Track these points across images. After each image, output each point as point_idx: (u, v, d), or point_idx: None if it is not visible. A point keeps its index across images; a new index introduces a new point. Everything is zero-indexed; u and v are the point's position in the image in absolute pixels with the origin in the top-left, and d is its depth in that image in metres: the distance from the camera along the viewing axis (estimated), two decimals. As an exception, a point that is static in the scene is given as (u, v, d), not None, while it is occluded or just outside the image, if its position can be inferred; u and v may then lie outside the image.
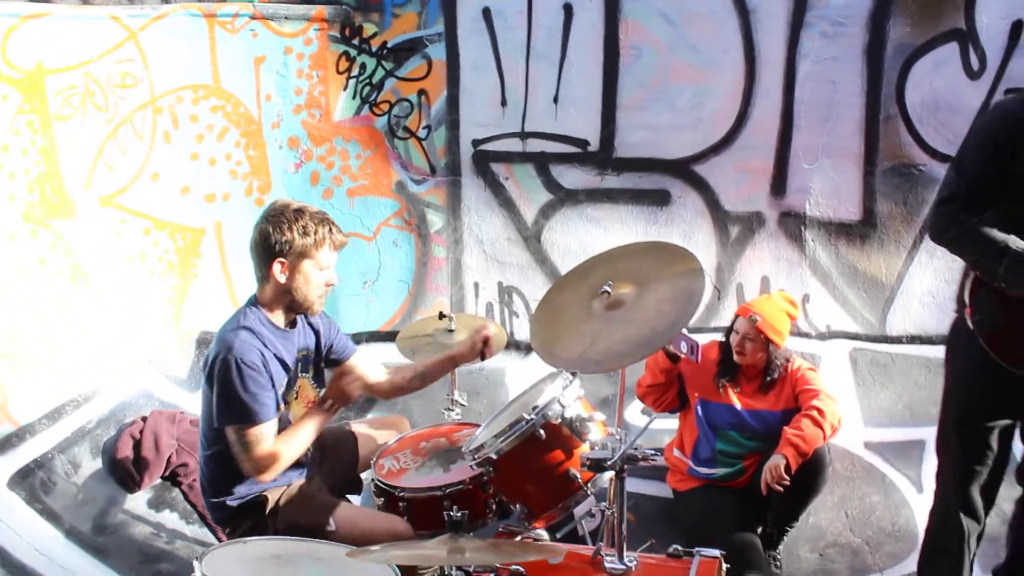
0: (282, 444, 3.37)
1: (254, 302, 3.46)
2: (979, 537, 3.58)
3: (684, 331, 3.60)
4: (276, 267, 3.36)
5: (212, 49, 5.28)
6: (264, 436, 3.31)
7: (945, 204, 3.32)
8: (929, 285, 5.21)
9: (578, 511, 3.96)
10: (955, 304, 3.50)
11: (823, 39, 5.14)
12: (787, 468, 3.95)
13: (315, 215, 3.40)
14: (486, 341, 3.79)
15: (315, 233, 3.37)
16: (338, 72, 5.44)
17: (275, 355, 3.41)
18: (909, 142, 5.18)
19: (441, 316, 4.46)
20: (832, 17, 5.12)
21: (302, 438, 3.44)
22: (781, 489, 3.96)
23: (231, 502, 3.46)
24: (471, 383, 5.27)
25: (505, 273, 5.51)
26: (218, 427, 3.35)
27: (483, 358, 3.83)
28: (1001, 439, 3.44)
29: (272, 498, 3.50)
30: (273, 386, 3.39)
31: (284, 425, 3.45)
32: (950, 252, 3.43)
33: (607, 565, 2.92)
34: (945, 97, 5.05)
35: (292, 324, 3.54)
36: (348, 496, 3.93)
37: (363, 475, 4.06)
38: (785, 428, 4.09)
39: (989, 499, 3.54)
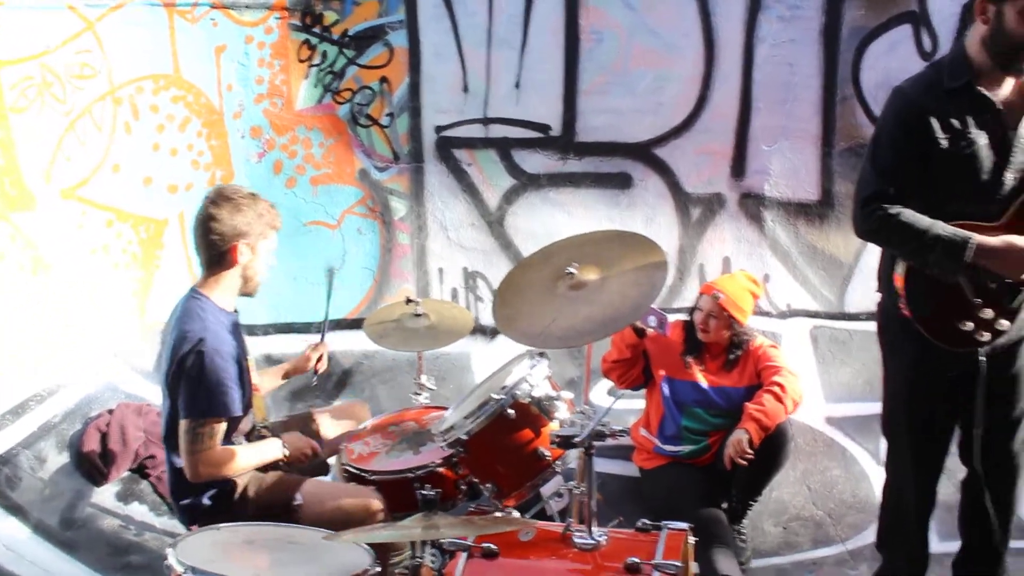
0: (238, 450, 3.40)
1: (197, 293, 3.47)
2: (932, 506, 3.67)
3: (653, 305, 3.66)
4: (241, 248, 3.39)
5: (172, 39, 5.24)
6: (219, 432, 3.34)
7: (869, 202, 3.30)
8: (887, 263, 5.30)
9: (546, 491, 4.03)
10: (878, 286, 3.56)
11: (780, 23, 5.22)
12: (750, 442, 4.03)
13: (263, 199, 3.51)
14: (320, 359, 4.15)
15: (269, 214, 3.48)
16: (299, 61, 5.42)
17: (239, 339, 3.47)
18: (865, 123, 5.26)
19: (408, 301, 4.48)
20: (789, 1, 5.19)
21: (254, 459, 3.47)
22: (744, 463, 4.04)
23: (206, 500, 3.46)
24: (437, 368, 5.30)
25: (469, 258, 5.53)
26: (182, 418, 3.36)
27: (316, 372, 4.17)
28: (945, 416, 3.50)
29: (240, 483, 3.51)
30: (242, 381, 3.42)
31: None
32: (878, 246, 3.49)
33: (577, 540, 2.96)
34: (899, 78, 4.93)
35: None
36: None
37: (329, 460, 4.09)
38: (747, 404, 4.16)
39: (937, 471, 3.60)
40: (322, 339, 4.29)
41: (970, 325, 3.21)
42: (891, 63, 5.19)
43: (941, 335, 3.28)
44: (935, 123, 3.18)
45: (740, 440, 4.04)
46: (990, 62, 3.12)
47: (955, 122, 3.17)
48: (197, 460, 3.31)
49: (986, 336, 3.22)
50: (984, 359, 3.25)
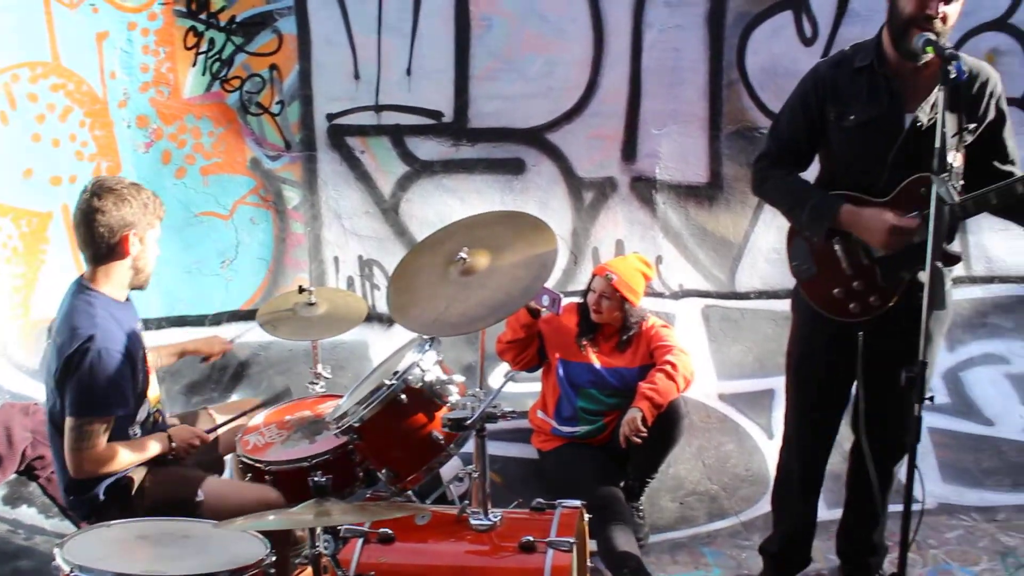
0: (121, 448, 3.34)
1: (86, 287, 3.39)
2: (820, 476, 3.80)
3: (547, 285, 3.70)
4: (132, 239, 3.33)
5: (49, 24, 5.07)
6: (106, 431, 3.28)
7: (760, 160, 3.53)
8: (774, 242, 5.47)
9: (446, 475, 4.05)
10: None
11: (667, 8, 5.32)
12: (643, 421, 4.10)
13: (146, 188, 3.46)
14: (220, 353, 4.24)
15: (153, 204, 3.44)
16: (186, 48, 5.31)
17: (133, 332, 3.40)
18: (751, 106, 5.43)
19: (301, 290, 4.44)
20: (676, -13, 5.31)
21: (137, 455, 3.40)
22: (639, 441, 4.11)
23: (99, 493, 3.39)
24: (335, 356, 5.28)
25: (364, 246, 5.51)
26: (67, 416, 3.28)
27: (206, 359, 4.25)
28: (832, 384, 3.61)
29: (137, 479, 3.45)
30: (134, 374, 3.36)
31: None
32: (768, 205, 3.62)
33: (472, 522, 2.99)
34: (782, 63, 5.31)
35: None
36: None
37: (226, 457, 4.05)
38: (640, 383, 4.24)
39: (827, 441, 3.73)
40: (232, 341, 4.33)
41: (841, 293, 3.35)
42: (774, 48, 5.36)
43: (818, 298, 3.43)
44: (830, 96, 3.33)
45: (634, 419, 4.11)
46: (891, 43, 3.23)
47: (849, 98, 3.30)
48: (82, 458, 3.26)
49: (856, 308, 3.34)
50: (861, 333, 3.34)
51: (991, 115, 3.29)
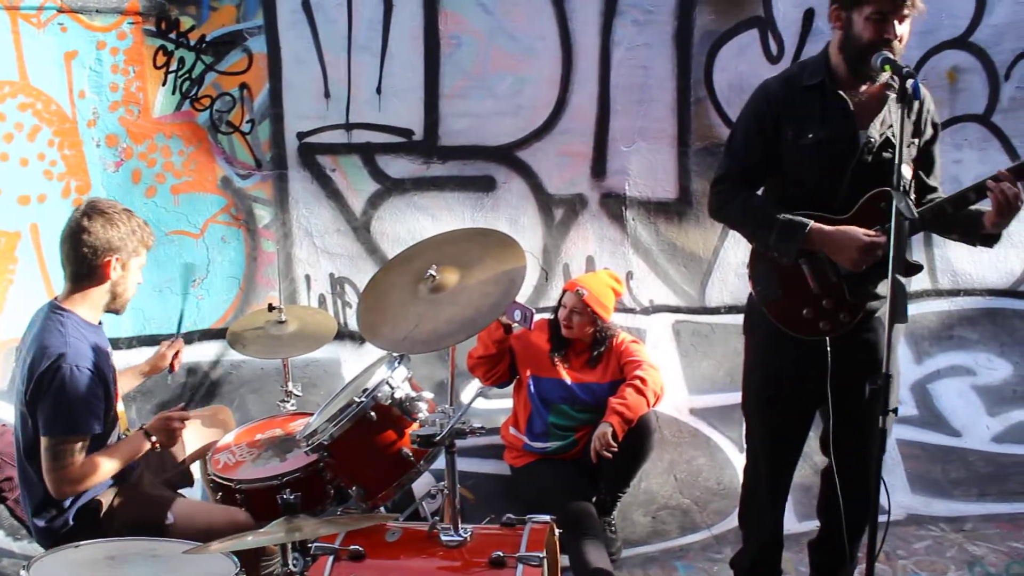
0: (99, 458, 3.31)
1: (59, 307, 3.37)
2: (786, 490, 3.80)
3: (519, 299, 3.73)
4: (114, 264, 3.33)
5: (16, 44, 5.04)
6: (82, 449, 3.26)
7: (718, 182, 3.51)
8: (743, 257, 5.42)
9: (418, 492, 4.06)
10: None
11: (635, 26, 5.39)
12: (614, 435, 4.13)
13: (137, 216, 3.46)
14: (176, 355, 4.06)
15: (142, 232, 3.43)
16: (155, 67, 5.30)
17: (103, 352, 3.39)
18: (718, 123, 5.50)
19: (271, 308, 4.44)
20: (642, 5, 5.38)
21: (118, 458, 3.38)
22: (609, 455, 4.14)
23: (69, 519, 3.36)
24: (307, 374, 5.27)
25: (336, 264, 5.51)
26: (42, 436, 3.26)
27: (172, 369, 4.09)
28: (797, 402, 3.60)
29: (106, 501, 3.43)
30: (106, 395, 3.34)
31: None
32: (728, 227, 3.64)
33: (443, 538, 3.00)
34: (749, 80, 5.36)
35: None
36: (180, 490, 3.88)
37: (194, 469, 4.03)
38: (610, 398, 4.27)
39: (792, 457, 3.73)
40: (177, 335, 4.22)
41: (810, 313, 3.37)
42: (741, 66, 5.44)
43: (786, 320, 3.43)
44: (785, 115, 3.36)
45: (604, 433, 4.14)
46: (844, 65, 3.29)
47: (804, 116, 3.34)
48: (60, 477, 3.23)
49: (826, 326, 3.37)
50: (830, 350, 3.36)
51: (928, 131, 3.40)
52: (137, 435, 3.48)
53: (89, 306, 3.40)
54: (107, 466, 3.32)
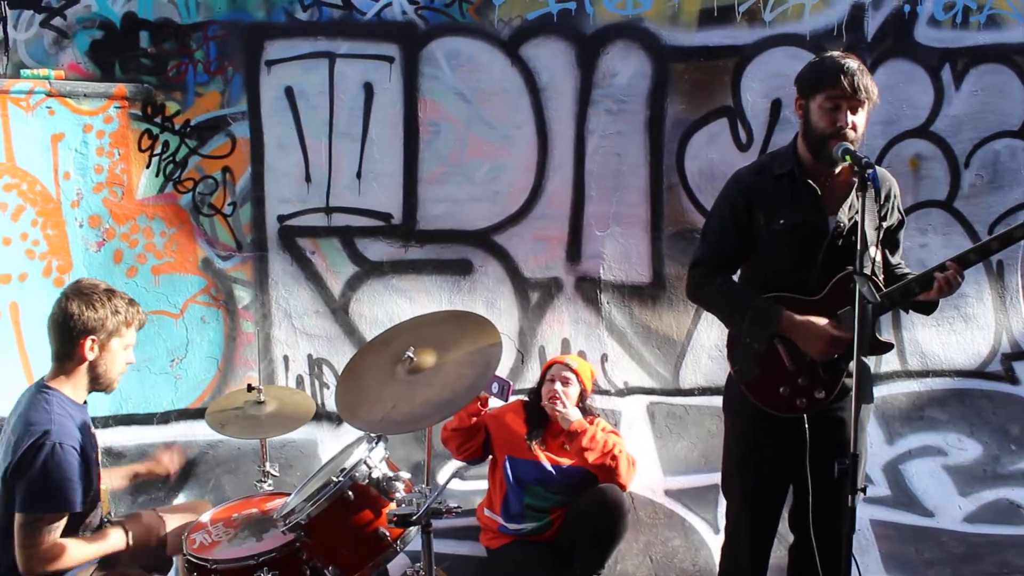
0: (72, 543, 3.30)
1: (45, 386, 3.40)
2: (765, 568, 3.83)
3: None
4: (88, 344, 3.35)
5: (5, 126, 5.14)
6: (58, 528, 3.25)
7: (695, 266, 3.64)
8: (716, 339, 5.61)
9: (395, 573, 4.04)
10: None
11: (608, 115, 5.55)
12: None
13: (123, 295, 3.47)
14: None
15: (125, 312, 3.44)
16: (140, 150, 5.40)
17: (88, 431, 3.40)
18: (690, 208, 5.64)
19: (250, 388, 4.46)
20: (616, 95, 5.55)
21: (92, 550, 3.38)
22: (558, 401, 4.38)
23: None
24: (284, 455, 5.27)
25: (314, 345, 5.56)
26: (18, 512, 3.25)
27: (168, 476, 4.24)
28: (776, 480, 3.68)
29: (80, 587, 3.41)
30: (88, 473, 3.35)
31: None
32: (704, 309, 3.73)
33: (418, 618, 3.01)
34: (720, 167, 5.53)
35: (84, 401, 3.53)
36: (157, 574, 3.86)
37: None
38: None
39: (771, 534, 3.78)
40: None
41: (787, 390, 3.45)
42: (711, 153, 5.60)
43: (763, 399, 3.51)
44: (757, 202, 3.49)
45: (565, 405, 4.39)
46: (808, 153, 3.43)
47: (775, 204, 3.46)
48: (32, 555, 3.21)
49: (803, 403, 3.45)
50: (807, 427, 3.44)
51: (895, 216, 3.56)
52: (116, 531, 3.48)
53: (73, 386, 3.42)
54: (80, 553, 3.31)
